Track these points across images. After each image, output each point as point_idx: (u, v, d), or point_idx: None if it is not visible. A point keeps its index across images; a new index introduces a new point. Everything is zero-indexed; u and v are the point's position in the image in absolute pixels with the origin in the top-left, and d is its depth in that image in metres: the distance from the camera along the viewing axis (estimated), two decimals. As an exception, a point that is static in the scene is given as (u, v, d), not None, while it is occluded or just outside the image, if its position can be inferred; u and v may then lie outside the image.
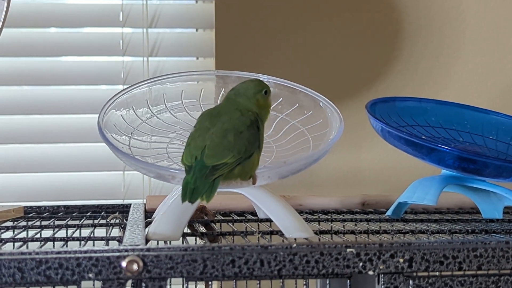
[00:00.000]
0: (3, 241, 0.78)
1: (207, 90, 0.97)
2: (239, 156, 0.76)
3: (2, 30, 0.94)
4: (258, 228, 0.95)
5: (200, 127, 0.79)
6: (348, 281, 0.69)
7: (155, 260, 0.65)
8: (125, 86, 1.33)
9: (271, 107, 0.89)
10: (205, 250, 0.66)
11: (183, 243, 0.81)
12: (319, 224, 0.95)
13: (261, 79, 0.96)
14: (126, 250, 0.65)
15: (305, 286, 0.70)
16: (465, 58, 1.40)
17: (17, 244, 0.78)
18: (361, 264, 0.67)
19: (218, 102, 0.95)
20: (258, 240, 0.90)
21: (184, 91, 0.96)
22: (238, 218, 1.00)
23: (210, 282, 0.70)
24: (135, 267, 0.64)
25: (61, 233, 0.93)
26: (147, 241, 0.76)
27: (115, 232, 0.99)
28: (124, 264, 0.64)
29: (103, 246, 0.67)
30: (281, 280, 0.69)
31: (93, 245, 0.81)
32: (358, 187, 1.35)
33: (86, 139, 1.35)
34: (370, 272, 0.67)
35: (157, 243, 0.87)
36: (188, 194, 0.72)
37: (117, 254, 0.64)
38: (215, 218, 0.98)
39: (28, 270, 0.63)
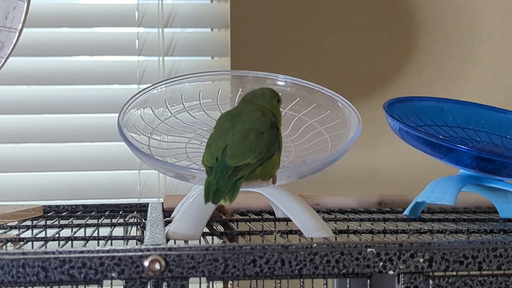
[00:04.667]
0: (27, 240, 0.79)
1: (224, 90, 0.97)
2: (261, 156, 0.76)
3: (22, 30, 0.94)
4: (275, 227, 0.95)
5: (220, 128, 0.79)
6: (368, 280, 0.69)
7: (177, 259, 0.65)
8: (141, 86, 1.35)
9: (287, 108, 0.91)
10: (226, 249, 0.66)
11: (200, 242, 0.82)
12: (335, 223, 0.95)
13: (278, 79, 0.96)
14: (148, 250, 0.65)
15: (325, 286, 0.70)
16: (480, 57, 1.40)
17: (40, 243, 0.78)
18: (381, 263, 0.67)
19: (236, 102, 0.96)
20: (275, 240, 0.90)
21: (201, 91, 0.96)
22: (256, 217, 1.01)
23: (231, 282, 0.70)
24: (157, 266, 0.65)
25: (80, 232, 0.94)
26: (167, 240, 0.77)
27: (133, 231, 0.99)
28: (146, 263, 0.64)
29: (125, 246, 0.68)
30: (302, 280, 0.70)
31: (111, 245, 0.82)
32: (373, 186, 1.35)
33: (102, 138, 1.36)
34: (390, 272, 0.67)
35: (175, 242, 0.87)
36: (211, 195, 0.73)
37: (140, 253, 0.65)
38: (233, 217, 0.98)
39: (52, 269, 0.64)
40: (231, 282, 0.94)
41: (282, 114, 0.92)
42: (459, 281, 0.68)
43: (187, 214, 0.80)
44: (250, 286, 1.10)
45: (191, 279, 0.67)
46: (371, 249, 0.67)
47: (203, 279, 0.68)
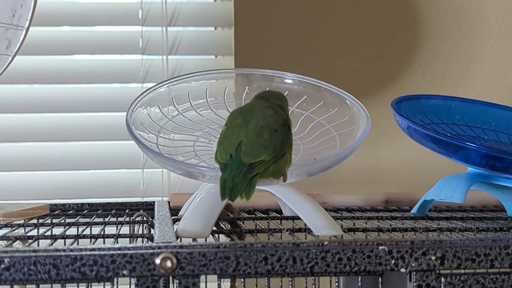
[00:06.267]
0: (35, 238, 0.79)
1: (231, 88, 0.97)
2: (275, 154, 0.76)
3: (29, 28, 0.94)
4: (281, 224, 0.95)
5: (232, 125, 0.78)
6: (380, 278, 0.69)
7: (188, 257, 0.65)
8: (144, 85, 1.35)
9: (294, 106, 0.91)
10: (238, 247, 0.66)
11: (206, 240, 0.82)
12: (342, 221, 0.95)
13: (286, 76, 0.96)
14: (159, 247, 0.65)
15: (337, 284, 0.70)
16: (484, 56, 1.40)
17: (48, 241, 0.78)
18: (393, 261, 0.67)
19: (243, 100, 0.96)
20: (281, 237, 0.90)
21: (208, 89, 0.96)
22: (262, 215, 1.01)
23: (242, 280, 0.70)
24: (168, 264, 0.64)
25: (87, 231, 0.94)
26: (176, 238, 0.76)
27: (139, 229, 0.99)
28: (158, 261, 0.64)
29: (135, 243, 0.68)
30: (313, 278, 0.69)
31: (117, 243, 0.81)
32: (379, 184, 1.35)
33: (105, 137, 1.36)
34: (402, 270, 0.67)
35: (180, 240, 0.87)
36: (227, 192, 0.72)
37: (151, 251, 0.64)
38: (240, 215, 0.98)
39: (63, 267, 0.63)
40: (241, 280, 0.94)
41: (290, 112, 0.92)
42: (471, 279, 0.68)
43: (196, 212, 0.80)
44: (257, 285, 1.09)
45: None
46: (383, 247, 0.67)
47: (209, 277, 0.68)
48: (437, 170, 1.31)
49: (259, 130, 0.77)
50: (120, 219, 1.02)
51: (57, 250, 0.64)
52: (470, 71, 1.40)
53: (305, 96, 0.95)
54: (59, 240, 0.80)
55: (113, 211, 1.08)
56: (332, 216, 0.96)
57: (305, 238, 0.86)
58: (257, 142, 0.76)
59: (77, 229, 0.94)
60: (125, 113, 0.87)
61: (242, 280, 0.72)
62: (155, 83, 0.95)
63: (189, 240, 0.78)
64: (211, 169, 0.79)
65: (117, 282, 1.03)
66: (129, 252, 0.64)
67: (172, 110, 0.93)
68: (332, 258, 0.67)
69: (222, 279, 0.68)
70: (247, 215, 1.00)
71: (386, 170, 1.37)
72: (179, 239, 0.77)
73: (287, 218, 0.95)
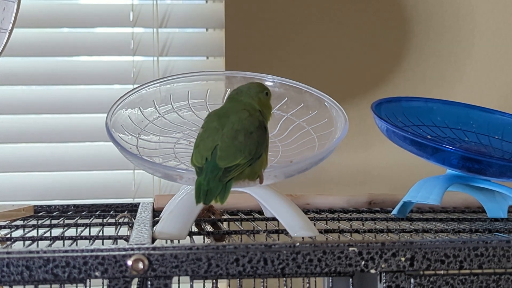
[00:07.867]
0: (13, 240, 0.80)
1: (213, 90, 0.98)
2: (250, 157, 0.76)
3: (12, 31, 0.95)
4: (266, 227, 0.96)
5: (208, 128, 0.79)
6: (351, 279, 0.70)
7: (160, 258, 0.66)
8: (136, 86, 1.35)
9: (275, 108, 0.91)
10: (210, 249, 0.67)
11: (191, 242, 0.82)
12: (326, 223, 0.95)
13: (266, 79, 0.97)
14: (132, 249, 0.66)
15: (308, 285, 0.71)
16: (473, 58, 1.40)
17: (27, 242, 0.79)
18: (363, 262, 0.68)
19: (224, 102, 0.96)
20: (266, 239, 0.91)
21: (190, 92, 0.97)
22: (245, 217, 1.01)
23: (215, 281, 0.71)
24: (140, 265, 0.65)
25: (71, 232, 0.94)
26: (153, 240, 0.77)
27: (124, 231, 1.00)
28: (129, 262, 0.65)
29: (109, 245, 0.69)
30: (285, 279, 0.70)
31: (102, 244, 0.82)
32: (364, 186, 1.36)
33: (96, 138, 1.37)
34: (372, 271, 0.68)
35: (166, 242, 0.88)
36: (202, 196, 0.73)
37: (123, 253, 0.65)
38: (223, 217, 0.98)
39: (36, 268, 0.64)
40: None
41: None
42: (440, 280, 0.69)
43: (174, 213, 0.80)
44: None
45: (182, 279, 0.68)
46: (353, 248, 0.68)
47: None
48: (423, 171, 1.30)
49: (234, 133, 0.77)
50: (104, 220, 1.03)
51: (30, 252, 0.65)
52: (459, 72, 1.40)
53: (286, 99, 0.96)
54: (41, 241, 0.81)
55: (97, 213, 1.08)
56: (315, 218, 0.97)
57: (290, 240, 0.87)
58: (232, 145, 0.76)
59: (63, 229, 0.94)
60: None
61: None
62: (138, 85, 0.96)
63: (163, 241, 0.78)
64: (189, 171, 0.80)
65: (102, 283, 1.05)
66: (102, 253, 0.65)
67: (154, 112, 0.94)
68: (302, 260, 0.67)
69: (194, 280, 0.69)
70: (230, 217, 1.01)
71: (374, 171, 1.37)
72: (156, 241, 0.78)
73: (268, 219, 0.96)
